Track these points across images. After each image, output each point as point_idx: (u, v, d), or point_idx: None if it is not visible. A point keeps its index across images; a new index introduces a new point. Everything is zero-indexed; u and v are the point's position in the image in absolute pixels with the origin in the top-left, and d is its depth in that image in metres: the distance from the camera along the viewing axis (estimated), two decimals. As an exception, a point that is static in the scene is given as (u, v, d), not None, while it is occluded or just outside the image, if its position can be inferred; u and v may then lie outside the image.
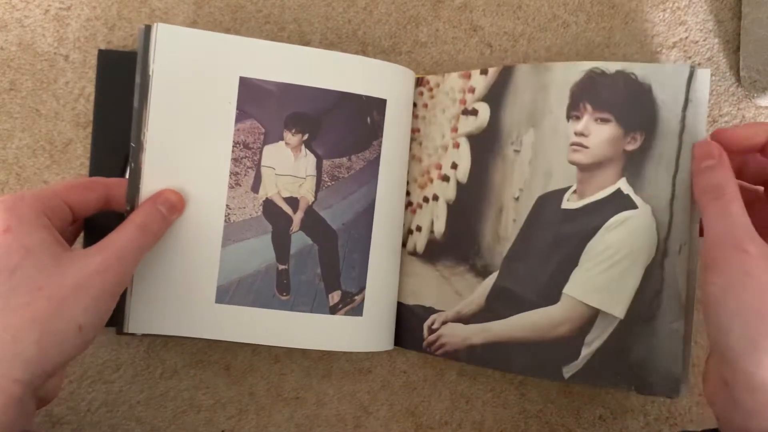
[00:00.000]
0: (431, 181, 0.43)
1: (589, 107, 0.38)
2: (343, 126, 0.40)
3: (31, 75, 0.43)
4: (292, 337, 0.40)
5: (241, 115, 0.39)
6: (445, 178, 0.42)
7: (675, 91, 0.37)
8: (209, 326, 0.39)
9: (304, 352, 0.44)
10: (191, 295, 0.39)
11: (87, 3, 0.43)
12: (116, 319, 0.38)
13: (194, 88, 0.38)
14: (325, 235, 0.40)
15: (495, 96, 0.41)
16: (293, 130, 0.39)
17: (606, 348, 0.37)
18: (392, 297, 0.42)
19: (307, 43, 0.44)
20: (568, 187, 0.38)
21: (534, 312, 0.38)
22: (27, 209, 0.32)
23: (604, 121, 0.38)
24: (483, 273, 0.40)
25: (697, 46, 0.45)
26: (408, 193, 0.43)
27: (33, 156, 0.43)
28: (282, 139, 0.39)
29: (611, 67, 0.38)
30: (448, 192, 0.42)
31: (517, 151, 0.40)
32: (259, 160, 0.39)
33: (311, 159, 0.40)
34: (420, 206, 0.43)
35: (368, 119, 0.40)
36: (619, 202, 0.37)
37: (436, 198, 0.42)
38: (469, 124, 0.42)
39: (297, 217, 0.40)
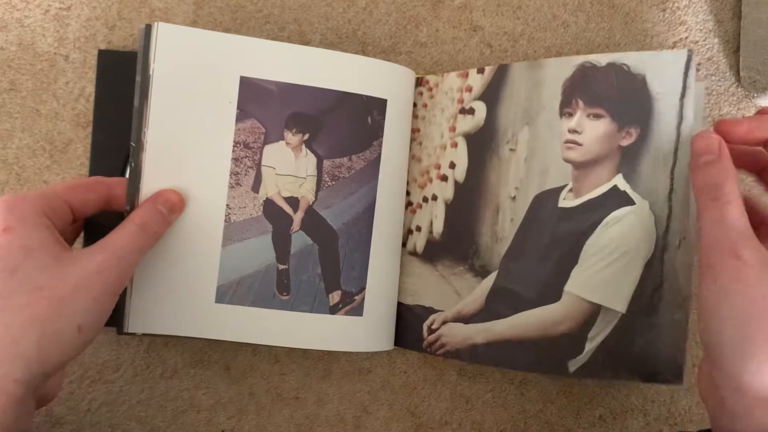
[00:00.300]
0: (430, 180, 0.43)
1: (581, 103, 0.37)
2: (344, 126, 0.40)
3: (31, 75, 0.43)
4: (292, 337, 0.40)
5: (242, 114, 0.39)
6: (444, 178, 0.42)
7: (671, 80, 0.35)
8: (209, 326, 0.39)
9: (304, 352, 0.44)
10: (191, 295, 0.39)
11: (87, 3, 0.43)
12: (116, 319, 0.38)
13: (195, 88, 0.38)
14: (326, 235, 0.40)
15: (491, 94, 0.41)
16: (294, 130, 0.39)
17: (609, 342, 0.37)
18: (392, 297, 0.42)
19: (307, 43, 0.44)
20: (564, 186, 0.38)
21: (536, 310, 0.38)
22: (28, 209, 0.32)
23: (597, 116, 0.37)
24: (482, 273, 0.40)
25: (697, 46, 0.45)
26: (408, 193, 0.43)
27: (33, 156, 0.43)
28: (282, 138, 0.39)
29: (602, 59, 0.37)
30: (447, 192, 0.42)
31: (512, 150, 0.40)
32: (260, 159, 0.39)
33: (312, 159, 0.40)
34: (420, 206, 0.43)
35: (369, 119, 0.40)
36: (616, 199, 0.37)
37: (434, 198, 0.42)
38: (466, 123, 0.42)
39: (297, 217, 0.40)
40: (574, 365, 0.37)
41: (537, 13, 0.45)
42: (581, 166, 0.38)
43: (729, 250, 0.30)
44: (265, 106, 0.39)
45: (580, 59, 0.38)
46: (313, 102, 0.39)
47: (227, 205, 0.39)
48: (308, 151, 0.40)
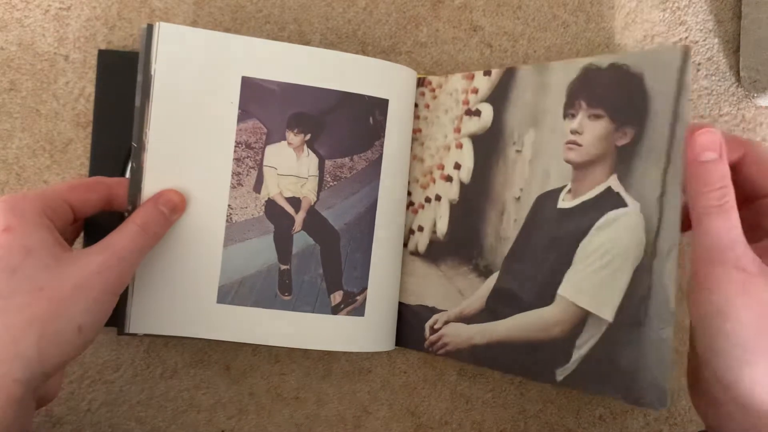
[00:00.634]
0: (434, 181, 0.43)
1: (583, 104, 0.37)
2: (346, 126, 0.40)
3: (31, 75, 0.43)
4: (294, 337, 0.39)
5: (244, 114, 0.39)
6: (448, 179, 0.42)
7: (667, 77, 0.34)
8: (211, 326, 0.39)
9: (304, 352, 0.44)
10: (193, 296, 0.39)
11: (87, 3, 0.43)
12: (117, 319, 0.38)
13: (196, 88, 0.38)
14: (328, 235, 0.40)
15: (498, 97, 0.41)
16: (296, 130, 0.39)
17: (595, 353, 0.36)
18: (394, 297, 0.42)
19: (307, 43, 0.44)
20: (564, 186, 0.38)
21: (531, 312, 0.38)
22: (28, 209, 0.32)
23: (597, 117, 0.37)
24: (485, 273, 0.40)
25: (697, 46, 0.45)
26: (409, 193, 0.43)
27: (33, 156, 0.43)
28: (284, 139, 0.39)
29: (605, 60, 0.37)
30: (451, 192, 0.42)
31: (518, 151, 0.40)
32: (262, 160, 0.39)
33: (313, 159, 0.40)
34: (422, 206, 0.43)
35: (370, 119, 0.40)
36: (609, 201, 0.36)
37: (438, 198, 0.42)
38: (472, 125, 0.42)
39: (299, 217, 0.40)
40: (561, 374, 0.37)
41: (537, 13, 0.45)
42: (580, 167, 0.38)
43: (733, 262, 0.28)
44: (266, 106, 0.39)
45: (585, 61, 0.37)
46: (315, 102, 0.39)
47: (229, 205, 0.39)
48: (310, 151, 0.40)
